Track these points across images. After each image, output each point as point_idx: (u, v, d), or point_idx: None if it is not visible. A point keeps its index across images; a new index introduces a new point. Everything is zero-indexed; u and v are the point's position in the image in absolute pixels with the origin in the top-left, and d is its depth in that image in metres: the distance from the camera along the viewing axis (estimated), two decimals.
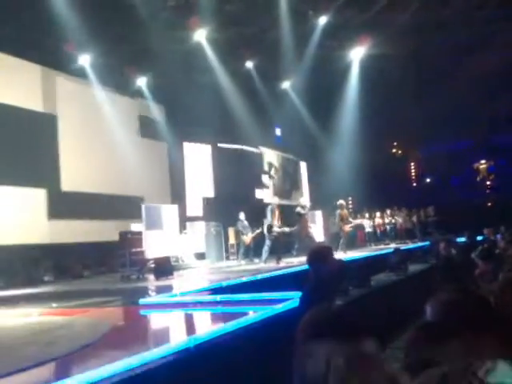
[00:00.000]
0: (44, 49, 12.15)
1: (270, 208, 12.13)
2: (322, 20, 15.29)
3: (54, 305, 7.26)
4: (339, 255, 12.08)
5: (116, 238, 11.66)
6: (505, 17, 15.57)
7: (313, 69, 16.86)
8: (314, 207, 15.40)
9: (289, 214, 14.43)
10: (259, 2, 13.93)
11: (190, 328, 4.98)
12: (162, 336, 4.66)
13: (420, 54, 17.30)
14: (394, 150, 28.80)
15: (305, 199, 12.86)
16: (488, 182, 28.09)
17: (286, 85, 19.67)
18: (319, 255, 3.62)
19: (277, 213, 12.02)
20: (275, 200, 12.53)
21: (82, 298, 7.66)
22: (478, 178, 28.08)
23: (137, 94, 15.72)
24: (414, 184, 29.45)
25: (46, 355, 3.85)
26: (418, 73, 18.71)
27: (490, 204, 26.63)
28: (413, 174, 29.61)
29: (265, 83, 18.03)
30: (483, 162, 28.03)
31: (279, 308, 4.66)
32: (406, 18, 15.18)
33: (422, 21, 15.28)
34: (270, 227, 11.82)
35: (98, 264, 13.09)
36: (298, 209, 12.97)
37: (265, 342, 3.98)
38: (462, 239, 12.06)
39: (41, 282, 11.10)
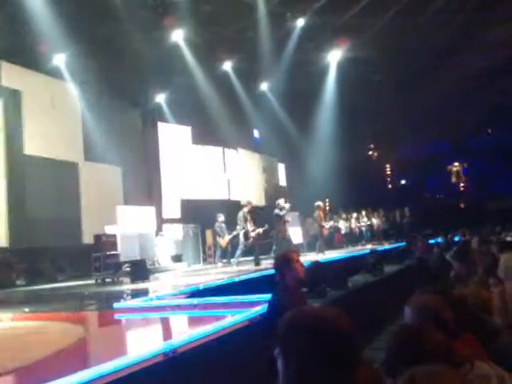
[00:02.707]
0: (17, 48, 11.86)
1: (241, 214, 12.05)
2: (300, 22, 15.36)
3: (26, 309, 7.08)
4: (317, 257, 12.14)
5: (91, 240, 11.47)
6: (481, 20, 15.89)
7: (291, 71, 16.92)
8: (291, 208, 15.41)
9: (265, 215, 14.42)
10: (237, 3, 13.91)
11: (167, 332, 4.90)
12: (138, 341, 4.57)
13: (397, 56, 17.53)
14: (370, 152, 29.14)
15: (283, 201, 12.83)
16: (461, 184, 28.66)
17: (263, 86, 19.69)
18: (284, 260, 3.70)
19: (248, 217, 11.99)
20: (247, 206, 12.43)
21: (56, 303, 7.49)
22: (453, 180, 28.63)
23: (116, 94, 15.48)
24: (390, 186, 29.85)
25: (18, 361, 3.74)
26: (395, 76, 18.95)
27: (462, 205, 27.17)
28: (388, 175, 30.01)
29: (243, 85, 18.01)
30: (457, 164, 28.59)
31: (257, 310, 4.62)
32: (384, 21, 15.37)
33: (400, 24, 15.48)
34: (246, 234, 11.79)
35: (73, 267, 12.85)
36: (277, 211, 12.94)
37: (243, 346, 3.94)
38: (439, 240, 12.25)
39: (13, 286, 10.84)
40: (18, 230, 11.95)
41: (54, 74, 13.31)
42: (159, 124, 16.89)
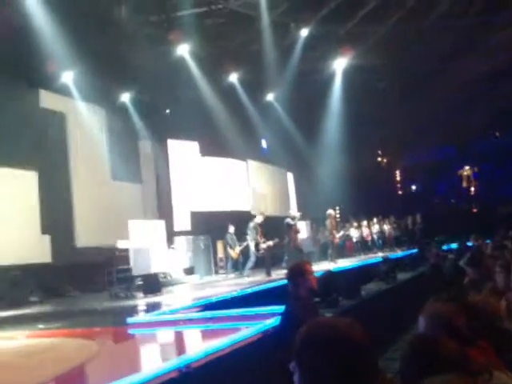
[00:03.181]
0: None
1: (252, 225, 12.04)
2: (304, 32, 15.42)
3: (41, 326, 7.12)
4: (329, 265, 12.09)
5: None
6: (484, 25, 15.88)
7: (296, 80, 16.97)
8: (301, 217, 15.39)
9: (276, 226, 14.40)
10: (241, 15, 14.02)
11: (180, 347, 4.90)
12: (152, 356, 4.58)
13: (401, 63, 17.53)
14: (378, 159, 29.03)
15: (294, 210, 12.84)
16: (472, 188, 28.43)
17: (270, 97, 19.76)
18: (298, 271, 3.72)
19: (259, 229, 11.98)
20: (259, 217, 12.42)
21: (70, 319, 7.53)
22: (464, 185, 28.41)
23: (120, 109, 15.62)
24: (400, 192, 29.68)
25: (36, 379, 3.76)
26: (401, 82, 18.94)
27: (475, 210, 26.93)
28: (398, 181, 29.86)
29: (249, 96, 18.08)
30: (467, 168, 28.38)
31: (270, 323, 4.61)
32: (387, 28, 15.40)
33: (403, 30, 15.50)
34: (256, 245, 11.78)
35: (86, 282, 12.90)
36: (288, 220, 12.94)
37: (258, 359, 3.93)
38: (452, 246, 12.15)
39: (27, 303, 10.90)
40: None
41: (64, 91, 13.49)
42: (169, 141, 16.99)
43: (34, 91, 12.91)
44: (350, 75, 18.20)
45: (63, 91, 13.47)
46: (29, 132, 12.30)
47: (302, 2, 14.02)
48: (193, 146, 17.70)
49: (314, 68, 17.66)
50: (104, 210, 13.98)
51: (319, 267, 10.60)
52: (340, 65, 18.09)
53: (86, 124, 13.90)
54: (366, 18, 14.87)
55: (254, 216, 13.09)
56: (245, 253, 12.94)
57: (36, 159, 12.52)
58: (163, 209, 16.28)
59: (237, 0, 13.35)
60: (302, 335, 1.39)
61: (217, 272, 15.05)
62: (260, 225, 12.03)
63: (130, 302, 9.38)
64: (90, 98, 13.84)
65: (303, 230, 16.83)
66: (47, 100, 13.29)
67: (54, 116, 13.50)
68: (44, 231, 12.48)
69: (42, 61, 11.99)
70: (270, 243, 12.06)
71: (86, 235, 13.41)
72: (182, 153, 17.34)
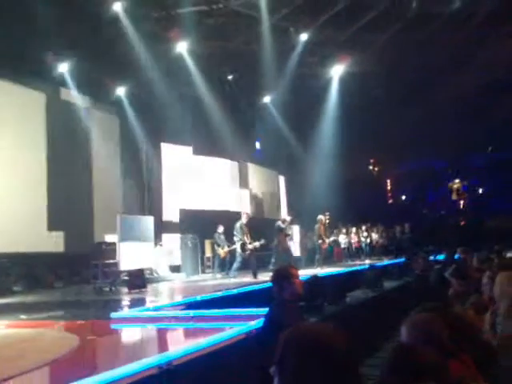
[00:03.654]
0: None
1: (238, 225, 12.00)
2: (303, 37, 15.47)
3: (22, 316, 7.06)
4: (315, 271, 12.10)
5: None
6: (483, 39, 16.00)
7: (293, 84, 17.01)
8: (293, 222, 15.40)
9: (265, 228, 14.40)
10: (241, 16, 14.02)
11: (162, 344, 4.88)
12: (133, 352, 4.55)
13: (398, 72, 17.63)
14: (370, 167, 29.16)
15: (285, 214, 12.87)
16: (461, 201, 28.65)
17: (266, 99, 19.78)
18: (284, 275, 3.71)
19: (245, 229, 11.94)
20: (244, 217, 12.38)
21: (52, 310, 7.47)
22: (453, 197, 28.61)
23: (116, 104, 15.53)
24: (390, 201, 29.83)
25: (13, 369, 3.72)
26: (397, 91, 19.05)
27: (463, 223, 27.12)
28: (388, 190, 30.00)
29: (246, 97, 18.09)
30: (457, 181, 28.60)
31: (254, 324, 4.60)
32: (386, 37, 15.48)
33: (402, 41, 15.58)
34: (243, 245, 11.73)
35: (71, 274, 12.82)
36: (279, 223, 12.95)
37: (239, 360, 3.92)
38: (441, 257, 12.20)
39: (10, 292, 10.80)
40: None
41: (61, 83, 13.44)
42: (162, 145, 16.90)
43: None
44: (346, 82, 18.28)
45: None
46: None
47: (303, 7, 14.05)
48: (186, 150, 17.70)
49: (311, 73, 17.72)
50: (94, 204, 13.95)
51: (306, 272, 10.61)
52: (337, 71, 18.17)
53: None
54: (366, 27, 14.94)
55: (240, 216, 13.07)
56: (233, 253, 12.93)
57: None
58: (153, 205, 16.21)
59: (237, 0, 13.34)
60: (285, 340, 1.39)
61: (203, 271, 15.01)
62: (245, 225, 11.98)
63: (114, 297, 9.32)
64: (86, 92, 13.79)
65: (295, 235, 16.85)
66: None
67: None
68: (33, 221, 12.39)
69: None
70: (257, 244, 12.03)
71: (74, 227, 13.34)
72: (175, 150, 17.29)
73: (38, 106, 13.09)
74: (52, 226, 12.79)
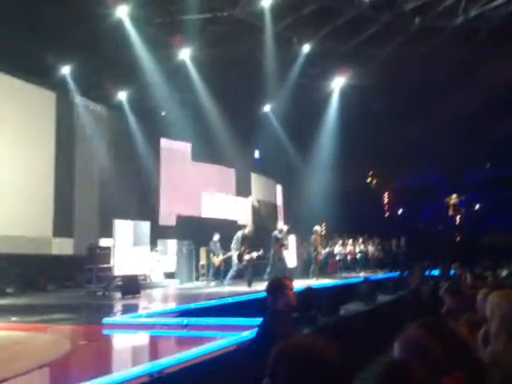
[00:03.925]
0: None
1: (240, 235, 11.96)
2: (306, 48, 15.55)
3: (14, 319, 7.01)
4: (310, 282, 12.06)
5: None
6: (484, 56, 16.09)
7: (294, 94, 17.06)
8: (290, 232, 15.36)
9: (261, 236, 14.35)
10: (244, 24, 14.08)
11: (154, 352, 4.84)
12: (124, 359, 4.51)
13: (399, 86, 17.70)
14: (368, 180, 29.17)
15: (282, 223, 12.85)
16: (458, 217, 28.65)
17: (266, 108, 19.83)
18: (278, 286, 3.72)
19: (246, 240, 11.91)
20: (249, 228, 12.37)
21: (45, 313, 7.41)
22: (450, 213, 28.60)
23: (117, 108, 15.55)
24: (387, 214, 29.81)
25: (5, 372, 3.68)
26: (397, 105, 19.11)
27: (458, 238, 27.11)
28: (386, 203, 29.99)
29: (246, 105, 18.12)
30: (454, 196, 28.61)
31: (246, 335, 4.57)
32: (388, 51, 15.56)
33: (404, 55, 15.66)
34: (240, 256, 11.70)
35: (64, 278, 12.74)
36: (276, 233, 12.93)
37: (231, 370, 3.89)
38: (436, 272, 12.19)
39: (2, 294, 10.72)
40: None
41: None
42: (162, 141, 16.92)
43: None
44: (347, 94, 18.35)
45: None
46: None
47: (306, 18, 14.12)
48: (185, 148, 17.66)
49: (312, 84, 17.78)
50: (91, 208, 13.90)
51: (301, 283, 10.58)
52: (338, 83, 18.25)
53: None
54: (368, 40, 15.02)
55: (244, 226, 13.03)
56: (228, 262, 12.88)
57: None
58: (149, 210, 16.16)
59: (242, 8, 13.40)
60: (277, 352, 1.38)
61: (197, 279, 14.93)
62: (247, 236, 11.96)
63: (107, 302, 9.27)
64: (88, 94, 13.83)
65: (292, 245, 16.80)
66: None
67: None
68: (29, 225, 12.35)
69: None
70: (254, 255, 11.99)
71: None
72: (174, 154, 17.30)
73: (45, 106, 13.13)
74: (47, 228, 12.75)
